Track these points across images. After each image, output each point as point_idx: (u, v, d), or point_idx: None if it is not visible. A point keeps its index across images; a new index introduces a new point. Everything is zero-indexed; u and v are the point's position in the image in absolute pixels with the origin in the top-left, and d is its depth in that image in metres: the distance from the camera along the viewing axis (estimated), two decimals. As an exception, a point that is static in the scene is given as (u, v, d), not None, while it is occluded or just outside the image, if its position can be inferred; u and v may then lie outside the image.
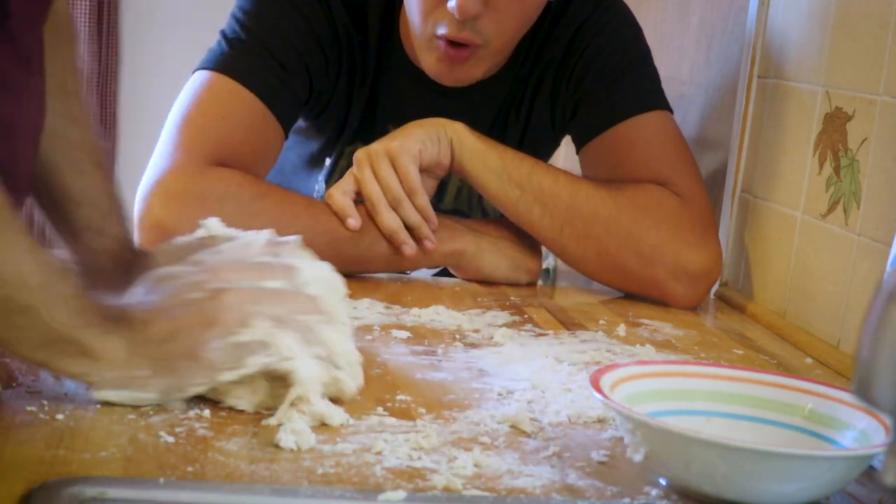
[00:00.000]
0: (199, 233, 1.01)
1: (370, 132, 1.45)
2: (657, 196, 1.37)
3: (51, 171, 1.00)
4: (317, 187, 1.52)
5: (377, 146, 1.32)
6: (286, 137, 1.41)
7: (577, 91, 1.46)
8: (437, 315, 1.22)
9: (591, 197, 1.35)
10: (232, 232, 1.01)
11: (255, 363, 0.87)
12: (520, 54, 1.45)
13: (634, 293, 1.39)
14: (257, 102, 1.35)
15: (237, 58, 1.36)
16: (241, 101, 1.34)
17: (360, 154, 1.32)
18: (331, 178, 1.50)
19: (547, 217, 1.35)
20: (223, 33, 1.39)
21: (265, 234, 0.98)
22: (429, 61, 1.37)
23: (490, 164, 1.35)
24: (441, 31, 1.33)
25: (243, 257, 0.95)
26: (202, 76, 1.36)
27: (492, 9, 1.31)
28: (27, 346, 0.84)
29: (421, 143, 1.32)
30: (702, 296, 1.39)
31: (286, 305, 0.91)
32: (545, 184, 1.35)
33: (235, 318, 0.88)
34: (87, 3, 3.22)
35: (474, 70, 1.38)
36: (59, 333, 0.83)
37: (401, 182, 1.31)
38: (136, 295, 0.93)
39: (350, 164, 1.36)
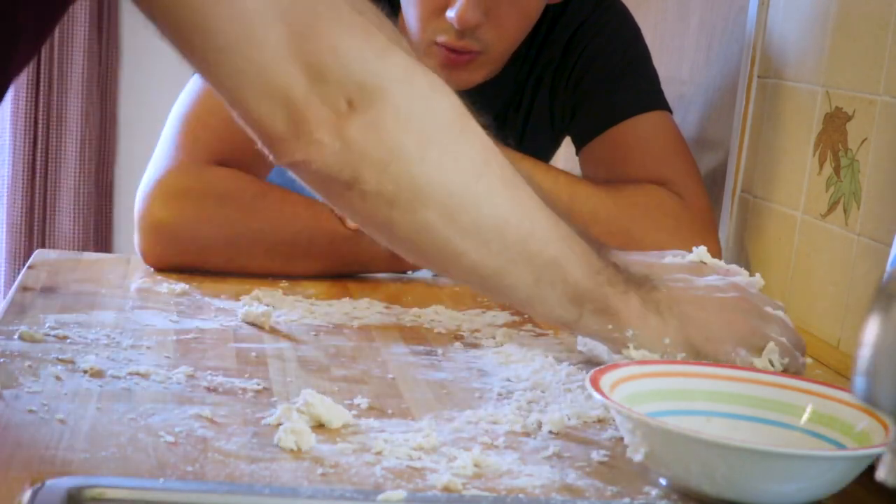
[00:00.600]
0: (690, 257, 1.05)
1: None
2: (657, 196, 1.37)
3: None
4: None
5: None
6: None
7: (577, 91, 1.45)
8: (437, 315, 1.22)
9: (590, 197, 1.35)
10: (719, 263, 1.06)
11: None
12: (518, 55, 1.45)
13: None
14: None
15: None
16: None
17: None
18: None
19: None
20: None
21: (752, 280, 1.04)
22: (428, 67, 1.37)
23: None
24: (441, 38, 1.32)
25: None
26: (200, 78, 1.36)
27: (491, 17, 1.30)
28: (550, 303, 0.87)
29: None
30: None
31: (793, 343, 0.98)
32: (544, 184, 1.34)
33: (757, 326, 0.94)
34: (87, 3, 3.22)
35: (475, 75, 1.38)
36: (583, 289, 0.86)
37: None
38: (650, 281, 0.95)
39: None
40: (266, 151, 0.84)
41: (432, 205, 0.83)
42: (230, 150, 1.32)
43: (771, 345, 0.98)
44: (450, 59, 1.34)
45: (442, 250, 0.85)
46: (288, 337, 1.10)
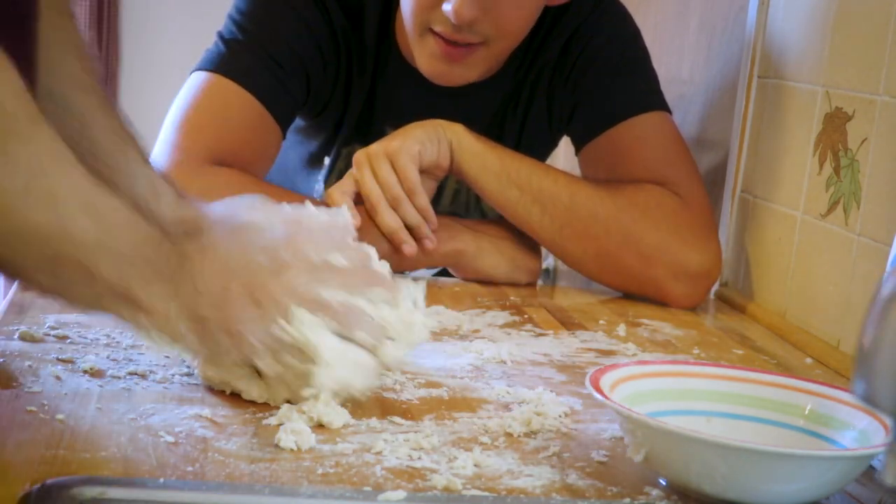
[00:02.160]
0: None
1: (368, 132, 1.45)
2: (657, 196, 1.37)
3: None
4: (316, 187, 1.52)
5: (376, 147, 1.32)
6: (284, 137, 1.41)
7: (575, 92, 1.45)
8: (437, 315, 1.22)
9: (590, 197, 1.35)
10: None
11: (289, 363, 0.87)
12: (517, 55, 1.45)
13: (634, 293, 1.39)
14: (255, 102, 1.35)
15: (235, 58, 1.36)
16: (239, 100, 1.35)
17: (360, 155, 1.32)
18: (329, 178, 1.50)
19: (546, 218, 1.35)
20: (220, 35, 1.40)
21: (343, 216, 0.97)
22: (423, 59, 1.36)
23: (489, 165, 1.35)
24: (437, 28, 1.32)
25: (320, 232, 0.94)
26: (200, 77, 1.36)
27: (489, 12, 1.30)
28: (78, 297, 0.87)
29: (420, 144, 1.32)
30: (702, 295, 1.39)
31: (350, 282, 0.90)
32: (544, 185, 1.35)
33: (283, 305, 0.87)
34: (87, 3, 3.22)
35: (471, 71, 1.37)
36: (109, 287, 0.85)
37: (400, 182, 1.31)
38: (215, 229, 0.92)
39: (348, 165, 1.36)
40: None
41: None
42: (228, 150, 1.32)
43: (296, 311, 0.86)
44: (446, 52, 1.33)
45: None
46: (288, 337, 1.09)
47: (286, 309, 0.87)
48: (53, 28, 0.99)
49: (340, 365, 0.88)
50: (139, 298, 0.85)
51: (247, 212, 0.95)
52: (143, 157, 1.04)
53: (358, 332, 0.89)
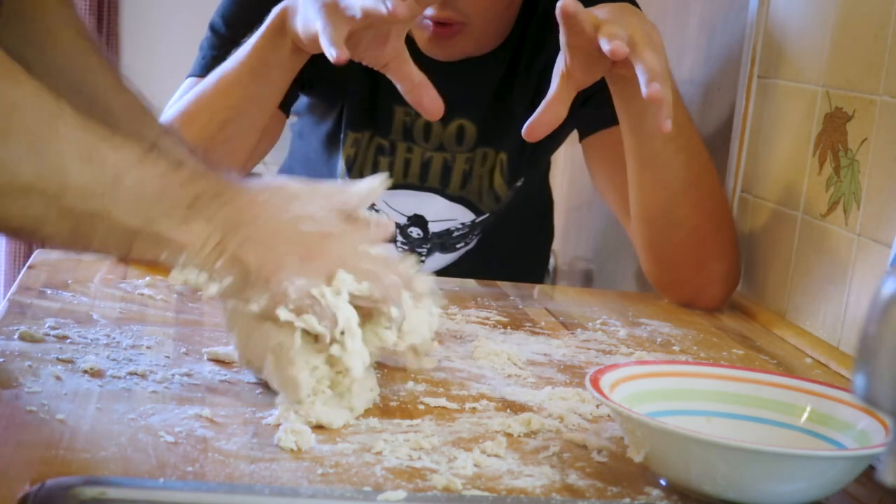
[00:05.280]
0: (360, 185, 0.99)
1: (374, 110, 1.47)
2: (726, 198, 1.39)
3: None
4: (339, 166, 1.52)
5: None
6: (287, 116, 1.46)
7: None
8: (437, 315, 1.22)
9: (715, 176, 1.35)
10: (367, 215, 0.99)
11: (308, 322, 0.87)
12: (519, 25, 1.48)
13: (664, 286, 1.39)
14: None
15: (218, 55, 1.37)
16: None
17: None
18: (341, 165, 1.50)
19: (683, 172, 1.32)
20: (202, 44, 1.43)
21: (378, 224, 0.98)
22: (421, 40, 1.43)
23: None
24: (428, 12, 1.39)
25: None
26: (190, 83, 1.40)
27: None
28: (105, 247, 0.87)
29: None
30: (728, 298, 1.40)
31: (383, 269, 0.91)
32: (693, 134, 1.33)
33: (326, 269, 0.88)
34: (87, 3, 3.22)
35: (463, 45, 1.43)
36: (131, 231, 0.86)
37: None
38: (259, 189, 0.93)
39: (356, 150, 1.41)
40: None
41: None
42: (214, 153, 1.33)
43: (341, 273, 0.88)
44: (437, 32, 1.41)
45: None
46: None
47: (332, 273, 0.88)
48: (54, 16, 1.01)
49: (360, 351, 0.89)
50: (169, 237, 0.86)
51: (287, 185, 0.95)
52: (163, 128, 1.06)
53: (395, 308, 0.90)
